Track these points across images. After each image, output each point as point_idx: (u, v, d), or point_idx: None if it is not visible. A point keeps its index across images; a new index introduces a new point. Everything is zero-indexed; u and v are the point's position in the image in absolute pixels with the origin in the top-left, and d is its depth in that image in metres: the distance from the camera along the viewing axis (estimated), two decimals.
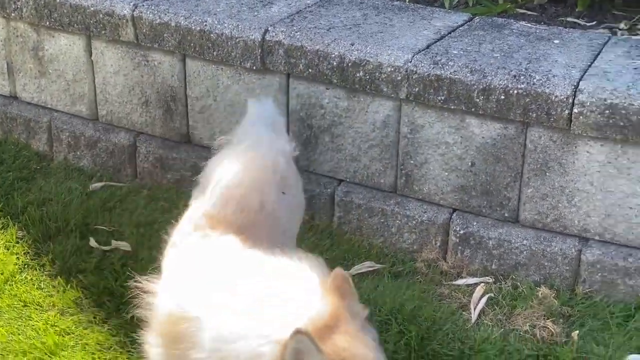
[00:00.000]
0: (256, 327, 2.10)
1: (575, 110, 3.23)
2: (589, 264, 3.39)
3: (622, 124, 3.17)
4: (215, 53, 3.85)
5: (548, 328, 3.25)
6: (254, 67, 3.80)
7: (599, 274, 3.38)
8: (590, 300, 3.40)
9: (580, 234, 3.44)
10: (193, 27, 3.85)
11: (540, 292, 3.41)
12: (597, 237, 3.42)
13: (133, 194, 4.10)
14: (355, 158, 3.78)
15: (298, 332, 1.96)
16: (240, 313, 2.16)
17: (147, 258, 3.58)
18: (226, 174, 2.68)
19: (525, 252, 3.49)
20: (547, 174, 3.41)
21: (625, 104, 3.14)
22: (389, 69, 3.51)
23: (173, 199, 4.05)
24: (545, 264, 3.47)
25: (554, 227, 3.48)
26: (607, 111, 3.17)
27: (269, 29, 3.75)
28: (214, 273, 2.38)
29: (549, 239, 3.48)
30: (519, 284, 3.48)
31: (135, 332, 3.18)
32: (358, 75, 3.58)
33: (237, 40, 3.77)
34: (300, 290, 2.16)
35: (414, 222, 3.67)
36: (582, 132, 3.25)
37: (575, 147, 3.32)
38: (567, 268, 3.44)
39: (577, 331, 3.20)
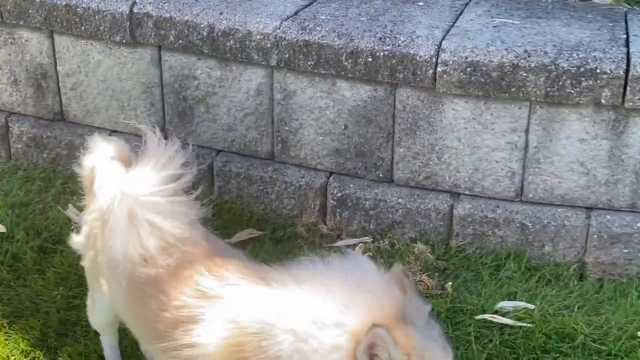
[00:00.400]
0: (331, 318, 2.05)
1: (439, 69, 3.32)
2: (461, 218, 3.51)
3: (483, 80, 3.28)
4: (83, 28, 3.79)
5: (424, 282, 3.35)
6: (124, 41, 3.76)
7: (471, 227, 3.51)
8: (463, 252, 3.53)
9: (451, 189, 3.56)
10: (58, 2, 3.78)
11: (416, 248, 3.51)
12: (467, 192, 3.54)
13: (8, 175, 4.01)
14: (231, 127, 3.79)
15: (376, 325, 1.95)
16: (311, 310, 2.08)
17: (22, 239, 3.52)
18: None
19: (400, 210, 3.58)
20: (417, 133, 3.51)
21: (485, 61, 3.26)
22: (258, 37, 3.53)
23: (50, 178, 3.99)
24: (420, 220, 3.57)
25: (426, 185, 3.59)
26: (469, 69, 3.28)
27: (137, 0, 3.71)
28: (261, 292, 2.23)
29: (422, 196, 3.58)
30: (395, 241, 3.58)
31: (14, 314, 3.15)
32: (228, 44, 3.59)
33: (105, 13, 3.72)
34: (359, 285, 2.11)
35: (292, 187, 3.72)
36: (447, 90, 3.35)
37: (442, 105, 3.42)
38: (441, 223, 3.55)
39: (451, 283, 3.32)
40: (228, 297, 2.25)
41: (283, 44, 3.50)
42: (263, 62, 3.58)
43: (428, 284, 3.33)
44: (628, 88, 3.17)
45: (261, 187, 3.77)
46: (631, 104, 3.19)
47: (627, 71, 3.15)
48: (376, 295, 2.07)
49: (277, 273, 2.24)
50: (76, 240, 2.76)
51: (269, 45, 3.52)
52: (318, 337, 2.04)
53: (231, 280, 2.29)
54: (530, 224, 3.43)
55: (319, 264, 2.19)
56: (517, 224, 3.45)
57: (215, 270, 2.34)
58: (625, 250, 3.36)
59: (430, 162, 3.54)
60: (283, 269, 2.25)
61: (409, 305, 2.08)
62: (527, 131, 3.37)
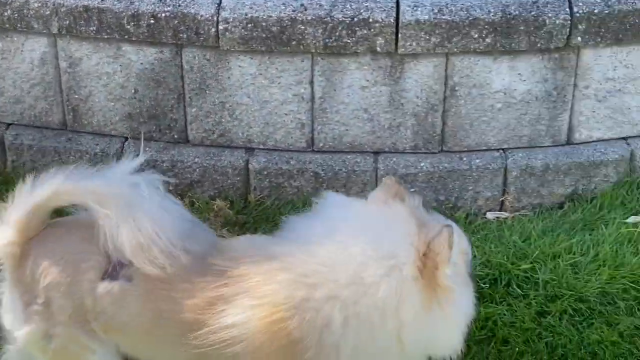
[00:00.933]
0: (375, 250, 2.04)
1: (220, 27, 3.37)
2: (257, 172, 3.60)
3: (264, 35, 3.36)
4: None
5: (224, 237, 3.42)
6: None
7: (267, 180, 3.60)
8: (262, 205, 3.62)
9: (245, 145, 3.64)
10: None
11: (215, 205, 3.57)
12: (261, 146, 3.63)
13: None
14: (19, 99, 3.70)
15: (450, 225, 2.05)
16: (351, 267, 2.04)
17: None
18: None
19: (198, 169, 3.62)
20: (207, 92, 3.55)
21: (264, 17, 3.33)
22: (36, 5, 3.46)
23: None
24: (218, 178, 3.63)
25: (221, 142, 3.64)
26: (250, 25, 3.35)
27: None
28: (283, 266, 2.12)
29: (218, 154, 3.64)
30: (195, 200, 3.63)
31: None
32: (6, 14, 3.49)
33: None
34: (370, 223, 2.13)
35: (87, 156, 3.68)
36: (231, 47, 3.41)
37: (228, 62, 3.48)
38: (238, 179, 3.62)
39: (248, 235, 3.40)
40: (250, 275, 2.12)
41: (62, 10, 3.44)
42: (44, 31, 3.51)
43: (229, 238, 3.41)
44: (399, 35, 3.33)
45: (56, 158, 3.71)
46: (403, 50, 3.36)
47: (397, 19, 3.31)
48: (391, 221, 2.11)
49: (284, 243, 2.17)
50: (28, 328, 2.29)
51: (48, 12, 3.45)
52: (376, 291, 2.01)
53: (247, 258, 2.17)
54: (322, 172, 3.56)
55: (313, 220, 2.17)
56: (311, 173, 3.57)
57: (226, 250, 2.24)
58: (412, 190, 3.54)
59: (223, 120, 3.59)
60: (285, 238, 2.19)
61: (414, 208, 2.16)
62: (311, 83, 3.49)
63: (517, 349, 2.83)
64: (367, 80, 3.46)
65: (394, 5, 3.33)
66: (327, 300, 2.02)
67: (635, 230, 3.33)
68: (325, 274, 2.04)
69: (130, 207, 2.16)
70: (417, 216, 2.12)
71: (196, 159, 3.62)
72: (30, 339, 2.30)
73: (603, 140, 3.67)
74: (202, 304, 2.14)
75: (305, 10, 3.32)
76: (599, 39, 3.41)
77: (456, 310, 2.09)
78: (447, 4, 3.32)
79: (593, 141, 3.66)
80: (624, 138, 3.68)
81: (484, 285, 3.13)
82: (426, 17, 3.30)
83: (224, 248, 2.25)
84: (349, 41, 3.34)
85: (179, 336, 2.18)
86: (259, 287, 2.08)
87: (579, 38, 3.39)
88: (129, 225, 2.14)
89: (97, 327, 2.28)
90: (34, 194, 2.25)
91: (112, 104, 3.63)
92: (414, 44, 3.34)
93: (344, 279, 2.03)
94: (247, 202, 3.64)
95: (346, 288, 2.02)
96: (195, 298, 2.15)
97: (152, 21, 3.40)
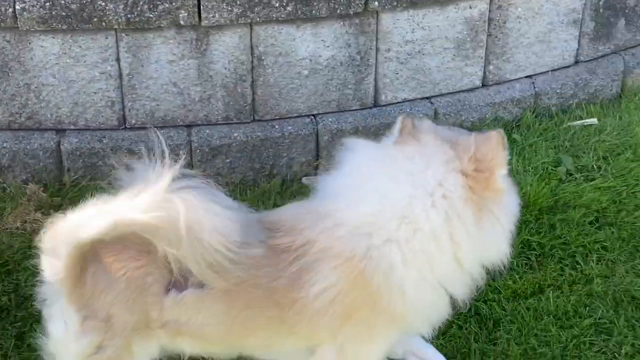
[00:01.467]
0: (416, 187, 2.13)
1: (18, 7, 3.29)
2: (70, 153, 3.55)
3: (64, 14, 3.31)
4: None
5: (39, 220, 3.36)
6: None
7: (81, 160, 3.56)
8: (78, 186, 3.57)
9: (56, 126, 3.58)
10: None
11: (28, 189, 3.50)
12: (72, 127, 3.58)
13: None
14: None
15: (498, 134, 2.16)
16: (394, 195, 2.14)
17: None
18: None
19: (7, 154, 3.53)
20: (10, 74, 3.46)
21: None
22: None
23: None
24: (29, 161, 3.55)
25: (30, 125, 3.57)
26: (48, 4, 3.29)
27: None
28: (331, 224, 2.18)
29: (27, 137, 3.56)
30: (6, 186, 3.54)
31: None
32: None
33: None
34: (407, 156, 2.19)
35: None
36: (31, 27, 3.34)
37: (30, 43, 3.40)
38: (51, 161, 3.56)
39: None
40: (313, 240, 2.17)
41: None
42: None
43: (42, 222, 3.35)
44: (202, 7, 3.36)
45: None
46: (207, 22, 3.39)
47: None
48: (426, 154, 2.17)
49: (327, 201, 2.22)
50: (84, 341, 2.20)
51: None
52: (424, 224, 2.12)
53: (301, 225, 2.21)
54: (137, 149, 3.55)
55: (345, 173, 2.23)
56: (125, 151, 3.55)
57: (275, 227, 2.23)
58: (227, 160, 3.60)
59: (29, 102, 3.52)
60: (323, 196, 2.25)
61: (438, 131, 2.24)
62: (118, 59, 3.46)
63: None
64: (174, 54, 3.47)
65: None
66: (384, 244, 2.14)
67: None
68: (376, 221, 2.15)
69: (186, 229, 2.03)
70: (446, 139, 2.22)
71: (4, 144, 3.53)
72: (82, 352, 2.22)
73: (408, 100, 3.84)
74: (289, 282, 2.18)
75: None
76: (395, 3, 3.56)
77: (506, 211, 2.22)
78: None
79: (399, 102, 3.82)
80: (427, 97, 3.87)
81: None
82: None
83: (270, 225, 2.26)
84: (151, 15, 3.34)
85: (272, 318, 2.23)
86: (328, 250, 2.16)
87: (376, 3, 3.53)
88: (192, 249, 2.05)
89: (164, 333, 2.25)
90: (78, 231, 2.10)
91: None
92: (217, 15, 3.38)
93: (394, 222, 2.14)
94: (62, 184, 3.59)
95: (398, 229, 2.14)
96: (281, 278, 2.18)
97: None
